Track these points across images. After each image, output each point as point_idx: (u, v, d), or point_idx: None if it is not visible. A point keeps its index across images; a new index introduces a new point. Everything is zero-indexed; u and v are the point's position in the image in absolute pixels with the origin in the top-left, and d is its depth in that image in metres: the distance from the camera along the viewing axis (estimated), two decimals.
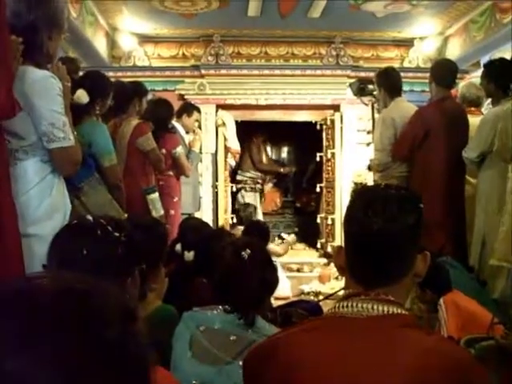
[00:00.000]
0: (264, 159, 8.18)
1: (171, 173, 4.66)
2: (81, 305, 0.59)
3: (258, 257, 1.93)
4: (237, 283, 1.87)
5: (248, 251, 1.89)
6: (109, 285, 0.65)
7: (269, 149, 8.77)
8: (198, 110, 5.42)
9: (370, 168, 4.86)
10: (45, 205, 2.19)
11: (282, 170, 8.26)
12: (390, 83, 4.55)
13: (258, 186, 7.98)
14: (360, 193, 1.39)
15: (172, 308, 2.13)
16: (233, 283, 1.88)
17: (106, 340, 0.58)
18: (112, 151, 3.27)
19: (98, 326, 0.59)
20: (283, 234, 6.69)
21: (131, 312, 0.63)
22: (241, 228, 5.59)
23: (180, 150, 4.66)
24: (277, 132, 7.98)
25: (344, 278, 1.40)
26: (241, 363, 1.65)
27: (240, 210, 6.67)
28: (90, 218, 1.32)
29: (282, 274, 5.61)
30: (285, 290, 5.22)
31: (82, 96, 3.08)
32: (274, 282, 2.06)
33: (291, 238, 6.80)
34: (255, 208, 6.81)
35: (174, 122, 4.94)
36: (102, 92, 3.33)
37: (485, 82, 4.03)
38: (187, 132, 5.27)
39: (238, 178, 7.97)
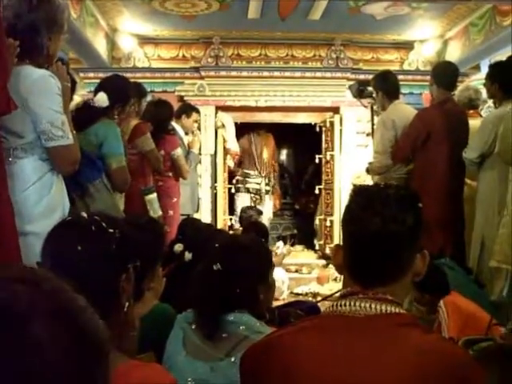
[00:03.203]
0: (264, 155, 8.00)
1: (170, 174, 4.65)
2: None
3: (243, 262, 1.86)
4: (204, 295, 1.82)
5: (218, 266, 1.81)
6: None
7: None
8: (197, 111, 5.40)
9: (368, 171, 4.85)
10: (43, 203, 2.19)
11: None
12: (387, 86, 4.54)
13: (255, 186, 7.90)
14: (359, 192, 1.37)
15: (169, 307, 2.13)
16: (201, 295, 1.83)
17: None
18: (121, 153, 3.21)
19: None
20: (277, 244, 6.57)
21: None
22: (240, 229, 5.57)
23: (179, 152, 4.63)
24: (276, 134, 7.95)
25: (342, 279, 1.39)
26: (233, 359, 1.64)
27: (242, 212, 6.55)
28: (84, 214, 1.32)
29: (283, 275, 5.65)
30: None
31: (101, 99, 3.08)
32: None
33: (286, 248, 6.73)
34: (260, 212, 6.64)
35: (173, 123, 4.92)
36: (122, 98, 3.31)
37: (488, 83, 3.98)
38: (186, 133, 5.25)
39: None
